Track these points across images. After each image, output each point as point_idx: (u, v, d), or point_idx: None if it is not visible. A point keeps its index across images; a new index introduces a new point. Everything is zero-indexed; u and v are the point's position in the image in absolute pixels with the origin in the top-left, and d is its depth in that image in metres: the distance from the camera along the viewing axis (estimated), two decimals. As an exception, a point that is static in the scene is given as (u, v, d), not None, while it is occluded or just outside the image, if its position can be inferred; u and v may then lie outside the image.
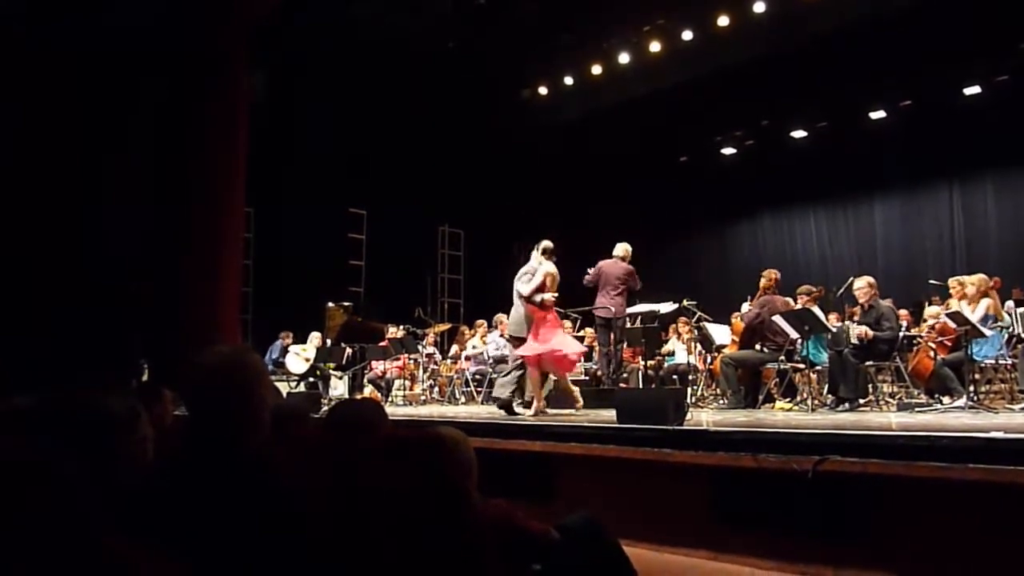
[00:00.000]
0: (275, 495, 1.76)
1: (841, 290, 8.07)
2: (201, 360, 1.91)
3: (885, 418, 5.67)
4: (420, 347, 10.19)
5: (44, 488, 1.15)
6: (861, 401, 6.64)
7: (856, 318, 7.09)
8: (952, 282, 7.55)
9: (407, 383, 10.55)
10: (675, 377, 9.17)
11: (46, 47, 7.15)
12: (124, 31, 7.46)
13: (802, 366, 7.07)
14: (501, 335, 9.88)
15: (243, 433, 1.85)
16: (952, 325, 6.62)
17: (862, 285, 7.01)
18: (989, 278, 7.12)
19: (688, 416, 5.11)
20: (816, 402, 6.76)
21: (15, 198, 7.11)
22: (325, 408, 5.84)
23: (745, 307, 8.13)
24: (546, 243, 6.76)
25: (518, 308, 6.81)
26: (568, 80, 13.65)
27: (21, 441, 1.35)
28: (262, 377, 1.96)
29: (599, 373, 9.89)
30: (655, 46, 12.31)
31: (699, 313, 8.92)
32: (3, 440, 1.39)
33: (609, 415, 5.32)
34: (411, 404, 9.84)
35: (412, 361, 10.59)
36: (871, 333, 6.59)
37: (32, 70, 7.11)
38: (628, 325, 8.80)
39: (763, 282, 7.72)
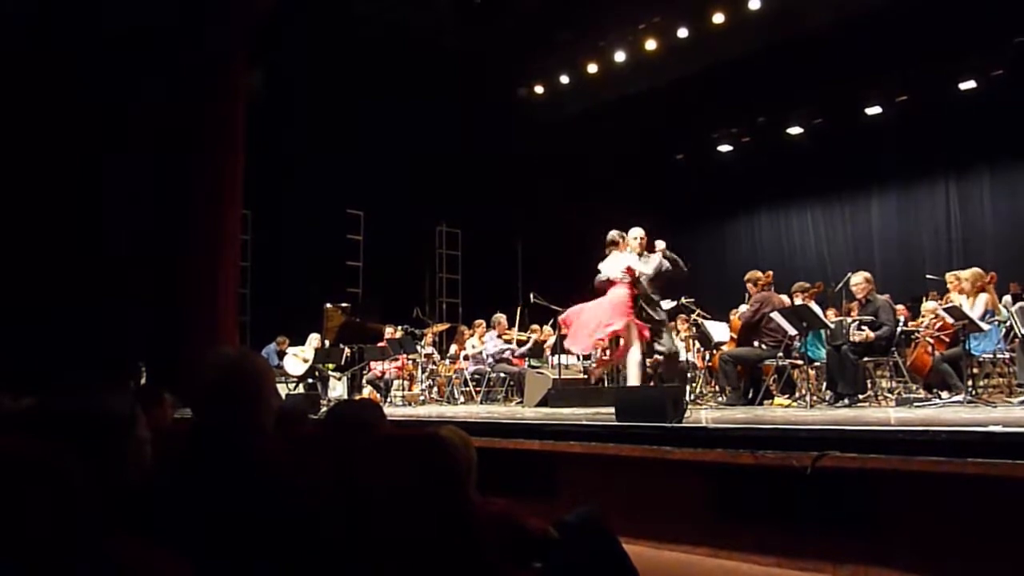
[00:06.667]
0: (278, 496, 1.76)
1: (839, 286, 8.08)
2: (208, 361, 1.92)
3: (883, 413, 5.68)
4: (419, 347, 10.18)
5: (44, 488, 1.15)
6: (860, 397, 6.64)
7: (854, 313, 7.10)
8: (949, 276, 7.57)
9: (406, 383, 10.54)
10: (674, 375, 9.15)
11: (46, 47, 7.15)
12: (124, 31, 7.46)
13: (800, 362, 7.08)
14: (499, 335, 9.89)
15: (248, 434, 1.86)
16: (950, 320, 6.63)
17: (859, 280, 7.02)
18: (985, 272, 7.13)
19: (687, 413, 5.12)
20: (814, 398, 6.76)
21: (14, 198, 7.11)
22: (324, 409, 5.84)
23: (743, 308, 8.13)
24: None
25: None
26: (564, 79, 13.66)
27: (21, 441, 1.35)
28: (268, 379, 1.97)
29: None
30: (651, 44, 12.33)
31: (697, 310, 8.92)
32: (3, 440, 1.40)
33: (609, 413, 5.32)
34: (410, 404, 9.84)
35: (411, 361, 10.58)
36: (872, 335, 6.60)
37: (32, 70, 7.11)
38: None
39: (750, 287, 7.72)
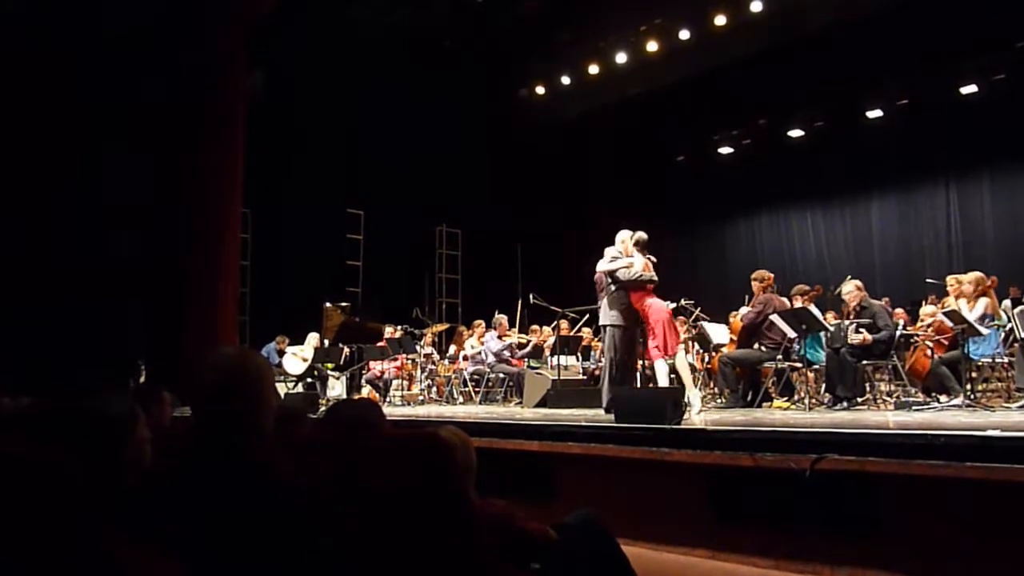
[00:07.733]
0: (277, 496, 1.76)
1: (839, 289, 8.08)
2: (208, 361, 1.92)
3: (882, 416, 5.68)
4: (418, 347, 10.18)
5: (44, 488, 1.16)
6: (858, 400, 6.64)
7: (852, 317, 7.10)
8: (950, 280, 7.55)
9: (405, 383, 10.53)
10: (673, 376, 9.16)
11: (46, 47, 7.16)
12: (124, 31, 7.48)
13: (800, 365, 7.07)
14: (500, 336, 9.88)
15: (248, 435, 1.86)
16: (949, 324, 6.62)
17: (850, 289, 7.01)
18: (986, 276, 7.13)
19: (686, 415, 5.12)
20: (813, 401, 6.77)
21: (15, 198, 7.11)
22: (323, 408, 5.85)
23: (744, 310, 8.12)
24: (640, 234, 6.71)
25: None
26: (565, 80, 13.66)
27: (21, 441, 1.35)
28: (268, 379, 1.97)
29: (596, 372, 9.89)
30: (652, 45, 12.34)
31: (696, 312, 8.91)
32: (3, 440, 1.40)
33: (608, 415, 5.33)
34: (409, 404, 9.84)
35: (410, 361, 10.58)
36: (870, 338, 6.60)
37: (32, 70, 7.11)
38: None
39: (756, 285, 7.69)
